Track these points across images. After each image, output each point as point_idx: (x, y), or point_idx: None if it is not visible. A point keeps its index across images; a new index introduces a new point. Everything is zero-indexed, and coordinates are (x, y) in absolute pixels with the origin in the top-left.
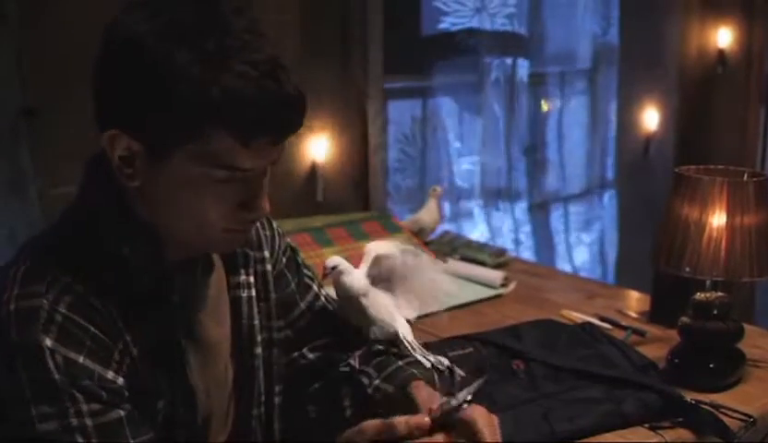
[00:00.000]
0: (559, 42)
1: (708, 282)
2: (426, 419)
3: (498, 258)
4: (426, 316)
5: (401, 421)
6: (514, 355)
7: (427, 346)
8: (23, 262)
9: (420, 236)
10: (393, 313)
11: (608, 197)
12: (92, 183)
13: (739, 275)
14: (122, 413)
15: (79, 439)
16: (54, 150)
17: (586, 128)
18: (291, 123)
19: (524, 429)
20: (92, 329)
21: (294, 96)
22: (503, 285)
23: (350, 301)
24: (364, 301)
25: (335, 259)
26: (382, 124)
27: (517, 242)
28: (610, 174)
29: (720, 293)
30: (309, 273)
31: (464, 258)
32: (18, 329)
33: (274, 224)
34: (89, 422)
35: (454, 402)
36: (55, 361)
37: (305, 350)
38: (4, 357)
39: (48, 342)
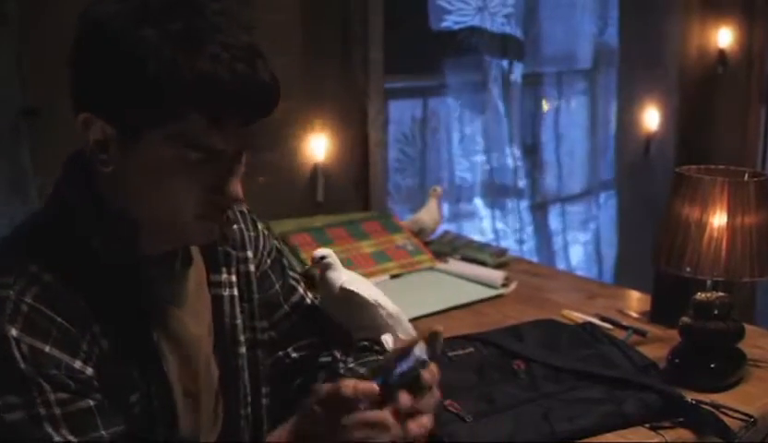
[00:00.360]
0: (558, 43)
1: (709, 282)
2: (374, 386)
3: (498, 258)
4: (425, 316)
5: (349, 384)
6: (515, 355)
7: None
8: None
9: (420, 236)
10: (375, 314)
11: (606, 198)
12: (68, 175)
13: (740, 275)
14: (91, 402)
15: (48, 429)
16: (54, 150)
17: (586, 128)
18: (262, 106)
19: (525, 429)
20: (59, 318)
21: (265, 80)
22: (504, 285)
23: (333, 296)
24: (345, 285)
25: (325, 251)
26: (383, 123)
27: (521, 242)
28: (609, 174)
29: (721, 293)
30: (295, 275)
31: (465, 258)
32: None
33: (259, 225)
34: (57, 411)
35: (398, 371)
36: (21, 350)
37: (289, 349)
38: None
39: (14, 332)
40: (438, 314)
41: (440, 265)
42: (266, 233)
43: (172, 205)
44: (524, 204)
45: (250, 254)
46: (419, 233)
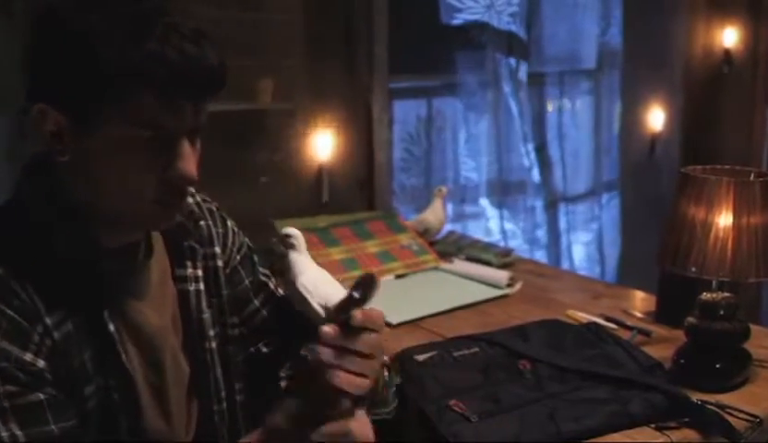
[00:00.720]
0: (562, 43)
1: (714, 283)
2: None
3: (503, 258)
4: (430, 316)
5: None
6: (520, 355)
7: (433, 345)
8: None
9: (425, 236)
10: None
11: (610, 198)
12: (25, 172)
13: (746, 275)
14: (41, 396)
15: None
16: None
17: (590, 129)
18: (210, 84)
19: (530, 429)
20: (9, 311)
21: (212, 59)
22: (509, 285)
23: (290, 284)
24: (300, 281)
25: (291, 230)
26: (387, 123)
27: (531, 241)
28: (613, 175)
29: (726, 294)
30: (265, 271)
31: (470, 258)
32: None
33: (229, 223)
34: (5, 403)
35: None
36: None
37: (260, 344)
38: None
39: None
40: (443, 314)
41: (445, 265)
42: (235, 230)
43: (128, 188)
44: (536, 203)
45: (218, 249)
46: (424, 233)
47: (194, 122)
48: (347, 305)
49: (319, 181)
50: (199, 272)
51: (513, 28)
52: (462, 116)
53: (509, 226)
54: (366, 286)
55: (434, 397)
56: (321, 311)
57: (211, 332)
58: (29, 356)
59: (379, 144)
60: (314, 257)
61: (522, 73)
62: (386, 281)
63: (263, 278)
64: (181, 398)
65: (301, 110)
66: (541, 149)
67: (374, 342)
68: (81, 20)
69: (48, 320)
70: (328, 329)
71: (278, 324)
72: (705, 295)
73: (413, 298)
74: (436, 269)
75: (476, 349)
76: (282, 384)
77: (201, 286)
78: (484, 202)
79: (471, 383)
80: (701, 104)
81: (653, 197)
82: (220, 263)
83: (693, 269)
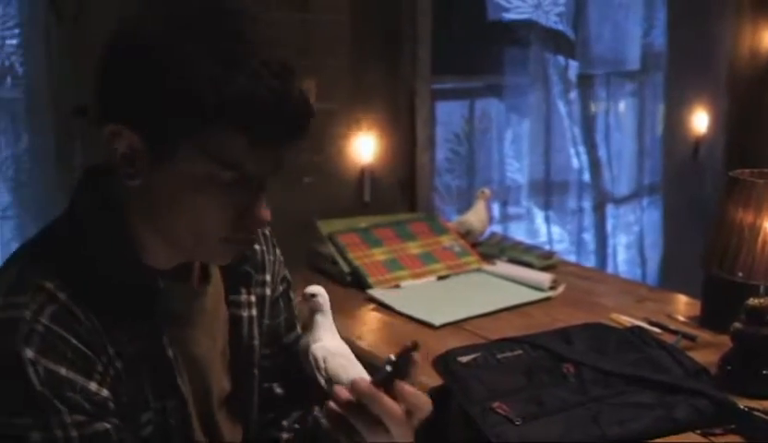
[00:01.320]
0: (606, 44)
1: (762, 288)
2: (366, 379)
3: (545, 261)
4: (472, 318)
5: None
6: (564, 359)
7: (477, 347)
8: (9, 269)
9: (467, 238)
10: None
11: (653, 200)
12: (82, 189)
13: None
14: (107, 425)
15: None
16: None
17: (633, 131)
18: (300, 128)
19: (574, 432)
20: (74, 340)
21: (302, 101)
22: (552, 288)
23: (303, 343)
24: (312, 348)
25: (316, 289)
26: (430, 124)
27: (578, 243)
28: (656, 177)
29: None
30: (297, 311)
31: (512, 260)
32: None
33: (277, 251)
34: (74, 433)
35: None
36: (37, 372)
37: (275, 384)
38: None
39: (29, 354)
40: (486, 316)
41: (487, 267)
42: (281, 259)
43: (199, 226)
44: (583, 205)
45: (268, 277)
46: (466, 234)
47: (278, 167)
48: (383, 379)
49: (361, 181)
50: (253, 298)
51: (561, 27)
52: (505, 117)
53: (555, 229)
54: (401, 359)
55: (478, 399)
56: (324, 384)
57: (257, 359)
58: (93, 386)
59: (422, 145)
60: (357, 258)
61: (572, 73)
62: (428, 282)
63: (295, 318)
64: (225, 423)
65: (344, 110)
66: (590, 150)
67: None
68: (176, 50)
69: (111, 349)
70: (339, 390)
71: (296, 370)
72: (752, 300)
73: (455, 300)
74: (478, 270)
75: (520, 351)
76: (284, 436)
77: (254, 312)
78: (528, 204)
79: (514, 385)
80: (746, 106)
81: (696, 201)
82: (268, 291)
83: (740, 274)
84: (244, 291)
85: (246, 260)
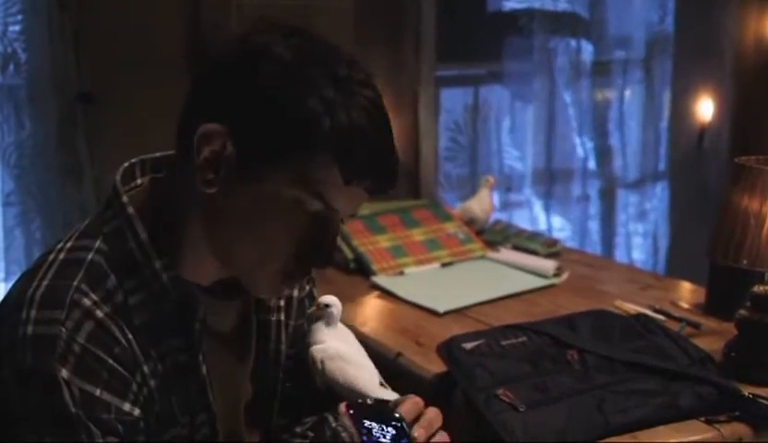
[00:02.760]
0: (615, 30)
1: (767, 275)
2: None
3: (550, 248)
4: (476, 305)
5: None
6: (568, 345)
7: (481, 334)
8: (42, 281)
9: (471, 226)
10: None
11: (659, 188)
12: (125, 195)
13: None
14: None
15: None
16: (110, 137)
17: (641, 117)
18: (393, 174)
19: (578, 420)
20: (110, 361)
21: (397, 157)
22: (556, 275)
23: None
24: (312, 349)
25: (330, 299)
26: (434, 111)
27: (580, 232)
28: (663, 165)
29: None
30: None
31: (516, 247)
32: (34, 355)
33: None
34: None
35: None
36: (72, 393)
37: (288, 385)
38: (17, 380)
39: (65, 374)
40: (490, 303)
41: (491, 254)
42: None
43: (265, 248)
44: (586, 193)
45: None
46: (469, 222)
47: (357, 210)
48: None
49: None
50: (281, 302)
51: (572, 10)
52: (509, 104)
53: (557, 217)
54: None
55: (482, 385)
56: (320, 385)
57: (283, 362)
58: (127, 406)
59: (425, 132)
60: (362, 245)
61: (585, 58)
62: (432, 269)
63: None
64: (245, 431)
65: None
66: (597, 138)
67: None
68: (296, 67)
69: (145, 368)
70: None
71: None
72: (758, 288)
73: (459, 287)
74: (482, 257)
75: (524, 338)
76: (297, 441)
77: (282, 317)
78: (530, 192)
79: (518, 372)
80: (751, 94)
81: (701, 188)
82: (295, 292)
83: (745, 262)
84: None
85: None
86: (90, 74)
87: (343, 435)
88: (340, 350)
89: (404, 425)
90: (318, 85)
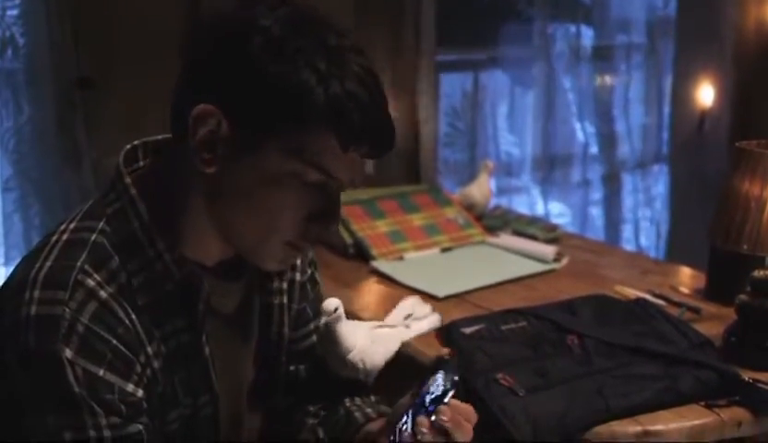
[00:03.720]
0: (616, 13)
1: (767, 260)
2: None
3: (549, 233)
4: (476, 290)
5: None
6: (568, 330)
7: (481, 318)
8: (45, 262)
9: (470, 211)
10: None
11: (659, 173)
12: (128, 177)
13: None
14: (140, 426)
15: None
16: (108, 120)
17: (642, 102)
18: (390, 138)
19: (578, 404)
20: (114, 341)
21: (392, 121)
22: (556, 260)
23: (337, 354)
24: (351, 356)
25: (336, 302)
26: (433, 96)
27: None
28: (663, 150)
29: None
30: (322, 294)
31: (516, 233)
32: (37, 336)
33: None
34: (107, 434)
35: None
36: (75, 373)
37: (301, 367)
38: (20, 361)
39: (68, 354)
40: (490, 288)
41: (491, 239)
42: None
43: (268, 222)
44: (586, 179)
45: (298, 262)
46: (469, 208)
47: (358, 177)
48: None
49: None
50: (284, 285)
51: None
52: (510, 90)
53: (556, 203)
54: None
55: (481, 370)
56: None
57: (285, 346)
58: (130, 387)
59: (425, 117)
60: (361, 230)
61: (579, 44)
62: (432, 254)
63: (321, 302)
64: (248, 413)
65: None
66: (597, 123)
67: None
68: (286, 40)
69: (149, 349)
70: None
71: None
72: (758, 272)
73: (459, 272)
74: (482, 242)
75: (524, 323)
76: (310, 420)
77: (285, 300)
78: (528, 178)
79: (518, 357)
80: (752, 79)
81: (701, 173)
82: (297, 276)
83: (746, 246)
84: (276, 279)
85: None
86: (88, 58)
87: (357, 414)
88: (366, 343)
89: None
90: (309, 56)
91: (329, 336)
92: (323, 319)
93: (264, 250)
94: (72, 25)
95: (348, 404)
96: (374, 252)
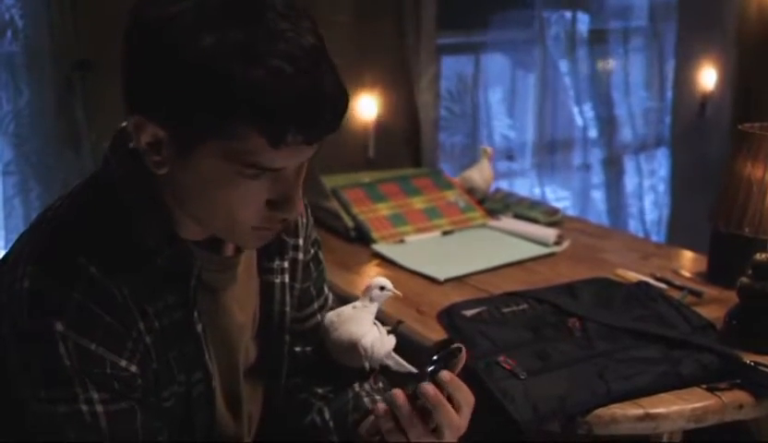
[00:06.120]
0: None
1: None
2: (399, 391)
3: (550, 217)
4: (477, 273)
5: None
6: (569, 313)
7: (482, 301)
8: (39, 237)
9: (471, 195)
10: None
11: (661, 157)
12: (117, 154)
13: None
14: (132, 402)
15: (88, 427)
16: (108, 104)
17: (643, 86)
18: (326, 123)
19: (580, 387)
20: (107, 317)
21: (332, 94)
22: (556, 243)
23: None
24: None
25: (385, 281)
26: (433, 80)
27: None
28: (665, 134)
29: None
30: (325, 273)
31: (517, 216)
32: (30, 310)
33: (309, 211)
34: (99, 409)
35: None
36: (67, 347)
37: (307, 348)
38: (14, 336)
39: (60, 327)
40: (490, 271)
41: (492, 222)
42: (312, 220)
43: (228, 217)
44: (585, 162)
45: (300, 241)
46: (470, 191)
47: (306, 157)
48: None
49: (366, 137)
50: (285, 264)
51: None
52: (506, 73)
53: (554, 188)
54: (446, 359)
55: (482, 353)
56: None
57: (288, 325)
58: (123, 362)
59: (425, 101)
60: (362, 213)
61: (578, 28)
62: (433, 237)
63: (324, 281)
64: (247, 393)
65: (348, 66)
66: (596, 107)
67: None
68: (191, 45)
69: (141, 324)
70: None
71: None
72: (759, 256)
73: (460, 255)
74: (483, 226)
75: (525, 306)
76: (318, 403)
77: (286, 278)
78: (525, 162)
79: (519, 340)
80: (753, 63)
81: (703, 157)
82: (300, 255)
83: (747, 230)
84: (277, 258)
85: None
86: (87, 41)
87: (366, 399)
88: (375, 332)
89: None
90: (212, 56)
91: (355, 317)
92: (373, 295)
93: (235, 236)
94: (71, 8)
95: (357, 389)
96: (375, 235)
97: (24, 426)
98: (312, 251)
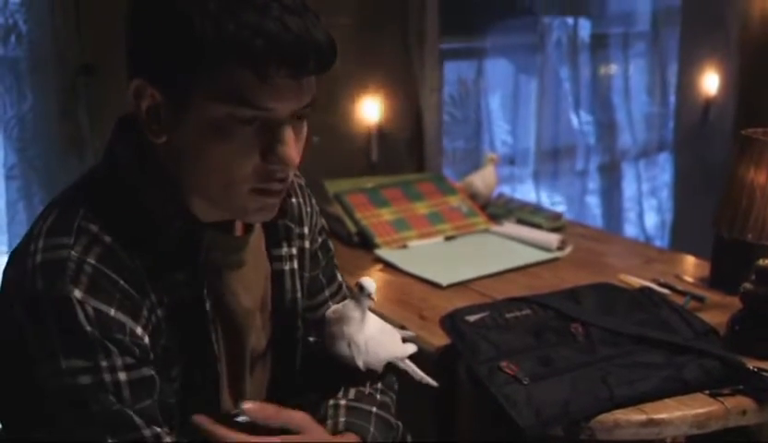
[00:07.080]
0: (617, 2)
1: None
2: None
3: (553, 222)
4: (480, 278)
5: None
6: (572, 318)
7: (485, 306)
8: (49, 214)
9: (474, 200)
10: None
11: (663, 162)
12: (120, 138)
13: None
14: (152, 371)
15: (111, 395)
16: (111, 108)
17: (646, 91)
18: (310, 59)
19: (582, 392)
20: (121, 282)
21: (316, 35)
22: (559, 248)
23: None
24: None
25: (373, 286)
26: (437, 85)
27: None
28: (667, 139)
29: None
30: (334, 260)
31: (520, 221)
32: (44, 280)
33: (313, 201)
34: (122, 376)
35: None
36: (86, 312)
37: (320, 340)
38: (29, 310)
39: (77, 294)
40: (493, 276)
41: (495, 227)
42: (317, 209)
43: (224, 173)
44: (585, 168)
45: (306, 230)
46: (472, 197)
47: (297, 103)
48: None
49: (369, 142)
50: (294, 251)
51: None
52: (511, 79)
53: (553, 194)
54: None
55: (485, 358)
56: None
57: (301, 312)
58: (139, 330)
59: (428, 106)
60: (365, 218)
61: (578, 34)
62: (435, 242)
63: (335, 268)
64: (253, 384)
65: (351, 70)
66: (597, 112)
67: None
68: None
69: (153, 297)
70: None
71: None
72: (763, 261)
73: (462, 260)
74: (485, 231)
75: (528, 311)
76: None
77: (295, 265)
78: (525, 168)
79: (522, 345)
80: (756, 68)
81: (706, 163)
82: (307, 244)
83: (750, 235)
84: (285, 244)
85: (284, 214)
86: (91, 46)
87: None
88: (376, 332)
89: None
90: (204, 3)
91: (346, 315)
92: (357, 295)
93: (234, 203)
94: (75, 12)
95: (333, 402)
96: (378, 240)
97: (42, 413)
98: (319, 239)
